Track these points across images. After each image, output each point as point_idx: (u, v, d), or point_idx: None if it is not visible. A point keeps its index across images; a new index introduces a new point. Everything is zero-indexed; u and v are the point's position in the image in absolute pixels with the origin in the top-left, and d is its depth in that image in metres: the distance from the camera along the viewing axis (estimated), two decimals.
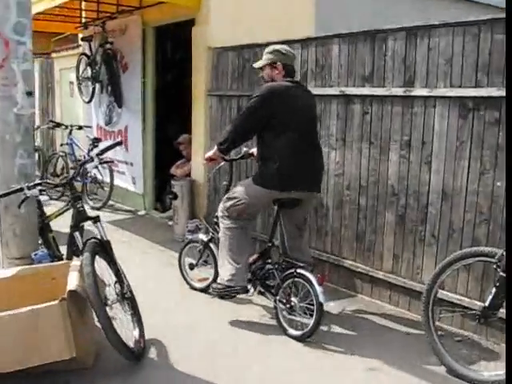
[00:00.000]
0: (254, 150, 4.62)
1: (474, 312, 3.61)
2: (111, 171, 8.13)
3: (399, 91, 4.46)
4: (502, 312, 3.54)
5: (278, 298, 4.20)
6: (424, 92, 4.28)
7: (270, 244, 4.47)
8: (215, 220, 4.68)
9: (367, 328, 4.31)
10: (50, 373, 3.41)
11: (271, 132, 4.10)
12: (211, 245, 4.82)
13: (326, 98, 5.04)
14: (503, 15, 3.85)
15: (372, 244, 4.80)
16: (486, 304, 3.38)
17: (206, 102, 6.71)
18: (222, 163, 4.76)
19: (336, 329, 4.26)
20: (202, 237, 4.92)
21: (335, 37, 4.99)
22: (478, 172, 4.00)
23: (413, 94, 4.36)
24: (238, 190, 4.31)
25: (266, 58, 4.33)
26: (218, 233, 4.58)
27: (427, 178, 4.34)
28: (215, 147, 4.37)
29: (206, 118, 6.72)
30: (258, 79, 5.79)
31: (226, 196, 4.41)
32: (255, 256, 4.52)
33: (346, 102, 4.93)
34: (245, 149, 4.80)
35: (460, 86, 4.07)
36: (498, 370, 3.37)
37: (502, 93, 3.76)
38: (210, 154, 4.48)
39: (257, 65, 4.42)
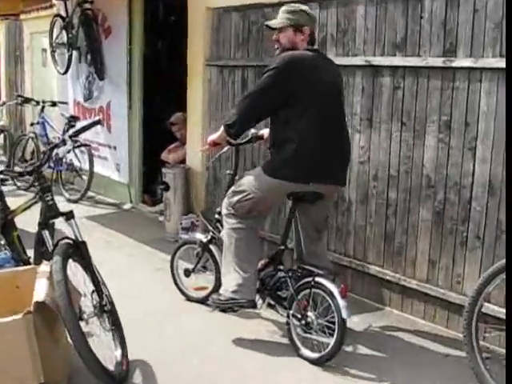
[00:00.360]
0: (264, 132, 4.55)
1: None
2: (90, 156, 8.09)
3: (438, 61, 4.40)
4: None
5: (291, 312, 4.13)
6: (468, 63, 4.22)
7: (283, 247, 4.40)
8: (217, 217, 4.63)
9: (398, 348, 4.28)
10: None
11: (290, 111, 4.00)
12: (212, 247, 4.78)
13: (349, 69, 4.98)
14: None
15: (403, 247, 4.76)
16: None
17: (204, 73, 6.67)
18: (226, 148, 4.70)
19: (360, 349, 4.22)
20: (201, 237, 4.87)
21: None
22: None
23: (454, 65, 4.30)
24: (246, 182, 4.24)
25: (286, 17, 4.15)
26: (219, 232, 4.54)
27: (471, 168, 4.29)
28: (221, 129, 4.28)
29: (205, 92, 6.69)
30: (268, 46, 5.77)
31: (232, 190, 4.34)
32: (264, 261, 4.47)
33: (372, 74, 4.88)
34: (253, 130, 4.67)
35: None
36: None
37: None
38: (214, 137, 4.40)
39: (274, 24, 4.22)
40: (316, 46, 4.41)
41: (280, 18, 4.19)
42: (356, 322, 4.55)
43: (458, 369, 3.90)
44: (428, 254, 4.59)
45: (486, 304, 3.72)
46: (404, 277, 4.74)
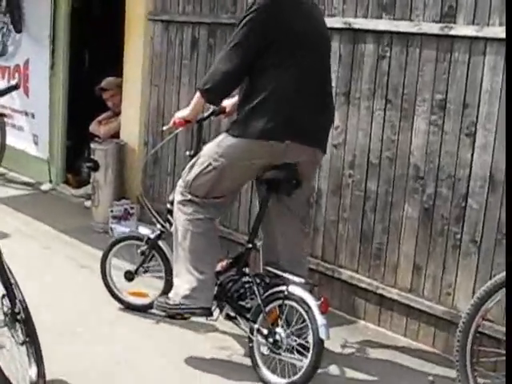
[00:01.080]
0: (227, 104, 4.40)
1: None
2: (2, 125, 7.97)
3: (433, 28, 4.35)
4: None
5: (256, 326, 4.01)
6: (470, 31, 4.18)
7: (250, 246, 4.26)
8: (169, 207, 4.48)
9: (376, 371, 4.22)
10: None
11: (266, 60, 3.88)
12: (161, 243, 4.65)
13: None
14: None
15: (383, 249, 4.73)
16: None
17: (145, 30, 6.57)
18: (184, 128, 4.52)
19: (336, 372, 4.17)
20: (146, 232, 4.73)
21: None
22: None
23: (453, 32, 4.26)
24: (205, 152, 4.12)
25: None
26: (171, 225, 4.40)
27: (469, 157, 4.26)
28: (196, 98, 4.15)
29: (146, 53, 6.60)
30: (224, 0, 5.64)
31: (189, 165, 4.20)
32: (226, 262, 4.34)
33: (353, 39, 4.82)
34: None
35: None
36: None
37: None
38: (185, 112, 4.29)
39: None
40: None
41: None
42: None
43: None
44: (413, 259, 4.56)
45: (484, 322, 3.69)
46: (383, 285, 4.71)
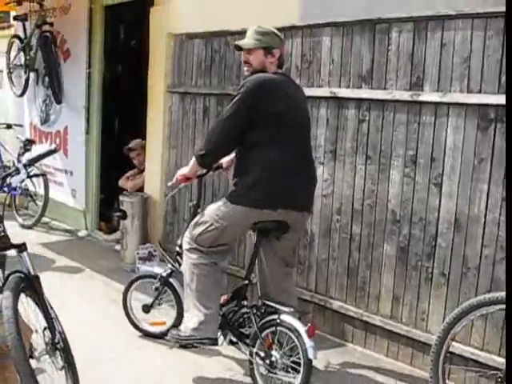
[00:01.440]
0: (223, 161, 4.39)
1: (494, 372, 3.46)
2: (46, 182, 7.90)
3: (404, 95, 4.35)
4: None
5: (254, 350, 3.97)
6: (435, 97, 4.18)
7: (247, 282, 4.22)
8: (178, 250, 4.45)
9: None
10: None
11: (257, 136, 3.86)
12: (172, 280, 4.59)
13: (314, 100, 4.90)
14: None
15: (366, 282, 4.67)
16: None
17: (165, 100, 6.57)
18: (186, 183, 4.49)
19: None
20: (159, 271, 4.67)
21: (326, 26, 4.87)
22: (500, 197, 3.89)
23: (421, 99, 4.26)
24: (208, 213, 4.06)
25: (257, 39, 4.02)
26: (179, 265, 4.36)
27: (437, 203, 4.23)
28: (193, 161, 4.13)
29: (165, 120, 6.58)
30: (230, 74, 5.70)
31: (194, 222, 4.17)
32: (227, 296, 4.29)
33: (337, 106, 4.81)
34: None
35: (479, 92, 3.97)
36: None
37: None
38: (185, 171, 4.25)
39: (245, 44, 4.06)
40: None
41: (251, 39, 4.04)
42: (319, 359, 4.37)
43: None
44: (392, 290, 4.51)
45: (453, 343, 3.65)
46: (367, 313, 4.65)
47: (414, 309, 4.38)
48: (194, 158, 4.13)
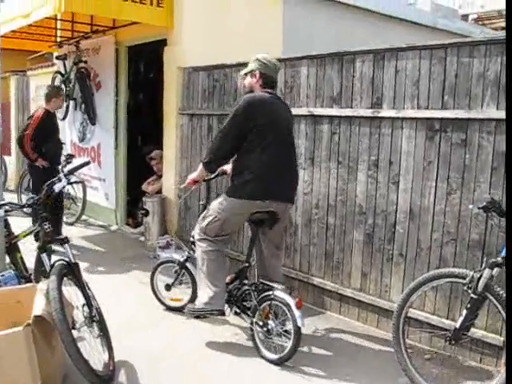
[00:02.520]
0: (227, 168, 4.34)
1: (444, 333, 3.41)
2: (84, 187, 7.87)
3: (367, 112, 4.30)
4: (473, 332, 3.40)
5: (254, 319, 3.93)
6: (391, 113, 4.14)
7: (247, 264, 4.19)
8: (192, 240, 4.38)
9: (340, 347, 4.10)
10: None
11: (251, 143, 3.83)
12: (188, 264, 4.53)
13: (296, 118, 4.74)
14: (468, 39, 3.78)
15: (340, 262, 4.61)
16: (457, 326, 3.21)
17: (177, 120, 6.51)
18: (195, 186, 4.42)
19: (311, 349, 4.03)
20: (178, 257, 4.61)
21: (304, 58, 4.82)
22: (445, 192, 3.86)
23: (380, 115, 4.22)
24: (212, 207, 4.04)
25: (249, 66, 4.06)
26: (194, 252, 4.31)
27: (395, 198, 4.18)
28: (200, 167, 4.09)
29: (178, 135, 6.53)
30: (228, 99, 5.66)
31: (201, 216, 4.13)
32: (231, 276, 4.25)
33: (314, 122, 4.76)
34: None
35: (427, 108, 3.93)
36: None
37: (469, 115, 3.67)
38: (194, 176, 4.19)
39: (242, 72, 4.14)
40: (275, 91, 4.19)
41: (246, 68, 4.11)
42: (305, 325, 4.36)
43: (388, 363, 3.74)
44: (361, 268, 4.46)
45: (410, 310, 3.59)
46: (341, 286, 4.60)
47: (378, 283, 4.33)
48: (201, 165, 4.09)
